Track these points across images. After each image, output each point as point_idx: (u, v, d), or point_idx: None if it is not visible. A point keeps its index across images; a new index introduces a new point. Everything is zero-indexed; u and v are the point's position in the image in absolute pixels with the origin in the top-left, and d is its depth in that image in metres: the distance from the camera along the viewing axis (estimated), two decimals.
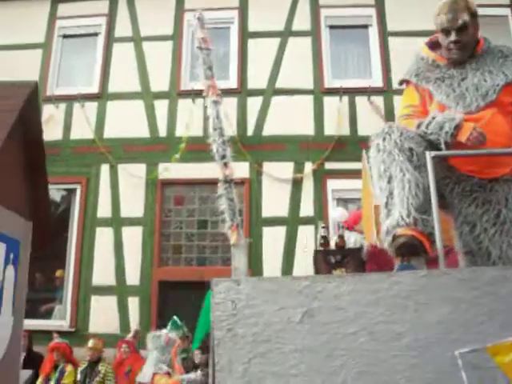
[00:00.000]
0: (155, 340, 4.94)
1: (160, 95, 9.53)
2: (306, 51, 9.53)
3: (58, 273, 8.92)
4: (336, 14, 9.73)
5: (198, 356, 7.16)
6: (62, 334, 7.89)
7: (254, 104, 9.33)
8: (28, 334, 7.05)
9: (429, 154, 1.98)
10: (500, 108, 2.35)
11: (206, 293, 5.15)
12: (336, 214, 8.42)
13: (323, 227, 4.75)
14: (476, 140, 2.17)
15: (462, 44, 2.42)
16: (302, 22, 9.68)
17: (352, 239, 4.44)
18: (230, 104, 9.31)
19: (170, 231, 9.11)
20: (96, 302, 8.68)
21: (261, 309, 1.30)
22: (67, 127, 9.41)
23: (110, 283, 8.72)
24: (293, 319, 1.29)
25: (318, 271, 4.18)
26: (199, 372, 6.88)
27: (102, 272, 8.74)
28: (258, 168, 9.03)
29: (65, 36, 10.16)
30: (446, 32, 2.42)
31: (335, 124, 9.04)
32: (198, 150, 9.03)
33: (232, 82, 9.52)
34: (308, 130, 9.17)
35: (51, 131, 8.76)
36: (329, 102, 9.26)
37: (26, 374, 6.49)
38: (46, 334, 7.59)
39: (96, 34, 10.06)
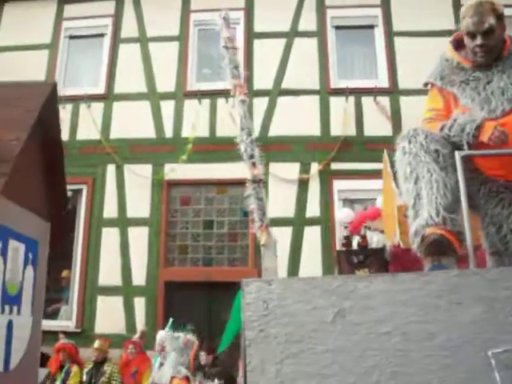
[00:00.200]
0: (173, 341, 4.92)
1: (166, 96, 9.53)
2: (311, 52, 9.53)
3: (64, 273, 8.93)
4: (342, 15, 9.73)
5: (203, 357, 7.17)
6: (68, 334, 7.91)
7: (259, 105, 9.32)
8: None
9: (458, 154, 1.98)
10: None
11: (237, 293, 5.14)
12: (342, 214, 8.42)
13: (346, 227, 4.73)
14: (498, 139, 2.16)
15: (488, 48, 2.37)
16: (307, 22, 9.67)
17: (375, 239, 4.42)
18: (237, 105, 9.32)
19: (175, 231, 9.12)
20: (102, 302, 8.69)
21: (293, 309, 1.30)
22: (73, 128, 9.42)
23: (116, 284, 8.73)
24: (325, 319, 1.29)
25: (341, 271, 4.17)
26: (217, 381, 6.88)
27: (108, 272, 8.75)
28: (264, 168, 9.00)
29: (71, 37, 10.18)
30: (472, 35, 2.38)
31: (341, 124, 9.04)
32: (204, 150, 9.06)
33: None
34: (314, 130, 9.16)
35: None
36: (335, 102, 9.25)
37: (42, 372, 6.52)
38: (52, 335, 7.58)
39: (102, 35, 10.07)
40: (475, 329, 1.24)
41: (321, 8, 9.76)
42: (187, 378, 4.87)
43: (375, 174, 8.77)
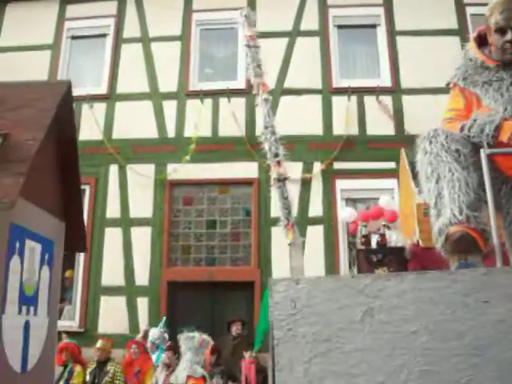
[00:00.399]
0: (188, 341, 4.92)
1: (168, 96, 9.54)
2: (314, 51, 9.53)
3: (68, 273, 8.92)
4: (344, 14, 9.73)
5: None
6: (71, 334, 7.89)
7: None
8: None
9: (484, 152, 1.98)
10: None
11: (264, 292, 5.14)
12: (345, 214, 8.45)
13: (364, 226, 4.73)
14: None
15: None
16: (310, 21, 9.68)
17: (393, 238, 4.42)
18: (239, 104, 9.33)
19: (178, 231, 9.11)
20: (105, 302, 8.69)
21: (321, 308, 1.30)
22: (76, 128, 9.40)
23: (119, 284, 8.73)
24: (353, 318, 1.29)
25: (360, 270, 4.17)
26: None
27: (111, 272, 8.75)
28: (267, 168, 9.01)
29: (73, 37, 10.18)
30: (502, 31, 2.35)
31: (344, 124, 9.04)
32: (206, 150, 9.06)
33: (240, 83, 9.51)
34: (316, 129, 9.16)
35: None
36: (337, 101, 9.25)
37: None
38: None
39: (104, 35, 10.07)
40: (503, 327, 1.24)
41: (323, 7, 9.76)
42: (203, 378, 4.87)
43: (378, 174, 8.80)
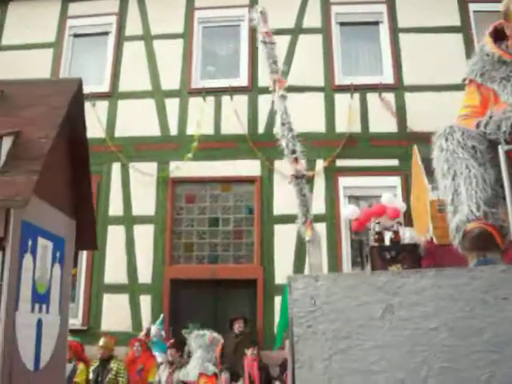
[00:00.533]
0: (199, 339, 4.94)
1: (171, 93, 9.53)
2: (316, 48, 9.52)
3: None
4: (346, 11, 9.72)
5: None
6: (74, 332, 7.87)
7: (264, 102, 9.31)
8: None
9: (501, 149, 1.98)
10: None
11: (284, 289, 5.13)
12: (347, 211, 8.44)
13: (377, 223, 4.72)
14: None
15: None
16: (312, 19, 9.66)
17: (407, 235, 4.41)
18: (241, 102, 9.32)
19: (181, 229, 9.11)
20: (108, 300, 8.70)
21: (340, 305, 1.30)
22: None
23: (121, 281, 8.74)
24: (373, 315, 1.29)
25: (373, 267, 4.16)
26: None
27: (114, 270, 8.75)
28: (270, 166, 9.02)
29: (75, 35, 10.17)
30: None
31: (346, 121, 9.03)
32: (209, 148, 9.06)
33: (242, 80, 9.51)
34: (319, 127, 9.15)
35: None
36: (340, 99, 9.24)
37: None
38: None
39: (106, 33, 10.07)
40: None
41: (325, 4, 9.75)
42: (215, 375, 4.88)
43: (380, 171, 8.79)
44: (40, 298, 3.52)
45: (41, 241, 3.50)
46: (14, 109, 3.79)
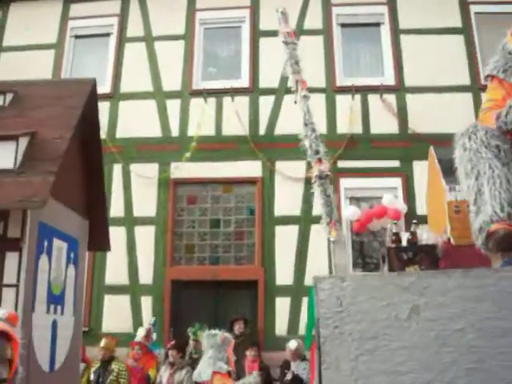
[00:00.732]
0: (210, 338, 4.92)
1: (172, 95, 9.54)
2: (317, 50, 9.52)
3: None
4: (348, 12, 9.72)
5: None
6: None
7: (266, 103, 9.33)
8: None
9: None
10: None
11: (310, 291, 5.09)
12: (349, 212, 8.43)
13: (394, 223, 4.71)
14: None
15: None
16: (313, 20, 9.66)
17: (424, 236, 4.40)
18: (242, 103, 9.33)
19: (182, 230, 9.12)
20: (109, 301, 8.71)
21: (367, 305, 1.30)
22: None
23: (122, 282, 8.75)
24: (400, 316, 1.29)
25: (391, 268, 4.15)
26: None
27: (115, 271, 8.76)
28: (271, 167, 9.03)
29: (77, 36, 10.20)
30: None
31: (347, 122, 9.03)
32: (210, 149, 9.06)
33: (244, 81, 9.52)
34: (320, 128, 9.07)
35: None
36: (341, 100, 9.24)
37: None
38: None
39: (108, 34, 10.09)
40: None
41: (326, 6, 9.75)
42: (229, 373, 4.89)
43: (382, 172, 8.79)
44: (55, 300, 3.52)
45: (56, 242, 3.49)
46: (27, 109, 3.79)
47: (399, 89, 9.22)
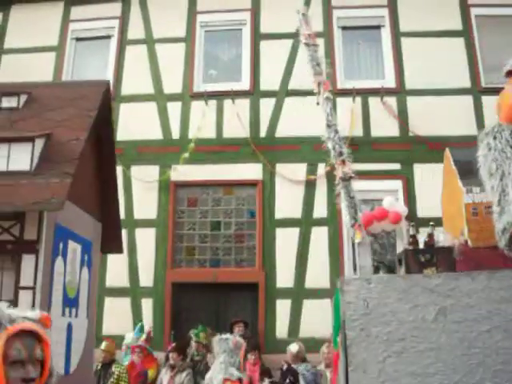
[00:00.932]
0: (222, 343, 4.86)
1: (173, 97, 9.54)
2: (318, 52, 9.49)
3: None
4: (348, 15, 9.72)
5: (211, 360, 7.15)
6: None
7: (266, 105, 9.33)
8: None
9: None
10: None
11: (335, 292, 5.03)
12: None
13: (412, 225, 4.70)
14: None
15: None
16: (314, 23, 9.61)
17: (441, 238, 4.39)
18: (243, 105, 9.33)
19: (183, 233, 9.11)
20: (110, 303, 8.69)
21: (393, 307, 1.30)
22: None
23: (123, 285, 8.74)
24: (427, 317, 1.29)
25: (408, 270, 4.14)
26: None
27: (116, 274, 8.74)
28: (271, 169, 9.02)
29: (78, 39, 10.20)
30: None
31: (348, 125, 9.00)
32: (210, 151, 9.06)
33: (245, 84, 9.52)
34: (321, 131, 9.09)
35: None
36: (341, 102, 9.21)
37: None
38: None
39: (109, 37, 10.09)
40: None
41: (327, 9, 9.75)
42: (240, 380, 4.82)
43: (382, 175, 8.78)
44: (70, 302, 3.49)
45: (71, 244, 3.46)
46: (42, 111, 3.77)
47: (400, 91, 9.22)
